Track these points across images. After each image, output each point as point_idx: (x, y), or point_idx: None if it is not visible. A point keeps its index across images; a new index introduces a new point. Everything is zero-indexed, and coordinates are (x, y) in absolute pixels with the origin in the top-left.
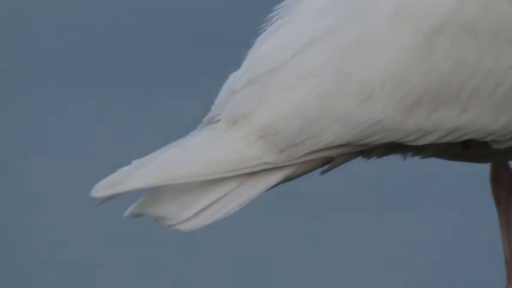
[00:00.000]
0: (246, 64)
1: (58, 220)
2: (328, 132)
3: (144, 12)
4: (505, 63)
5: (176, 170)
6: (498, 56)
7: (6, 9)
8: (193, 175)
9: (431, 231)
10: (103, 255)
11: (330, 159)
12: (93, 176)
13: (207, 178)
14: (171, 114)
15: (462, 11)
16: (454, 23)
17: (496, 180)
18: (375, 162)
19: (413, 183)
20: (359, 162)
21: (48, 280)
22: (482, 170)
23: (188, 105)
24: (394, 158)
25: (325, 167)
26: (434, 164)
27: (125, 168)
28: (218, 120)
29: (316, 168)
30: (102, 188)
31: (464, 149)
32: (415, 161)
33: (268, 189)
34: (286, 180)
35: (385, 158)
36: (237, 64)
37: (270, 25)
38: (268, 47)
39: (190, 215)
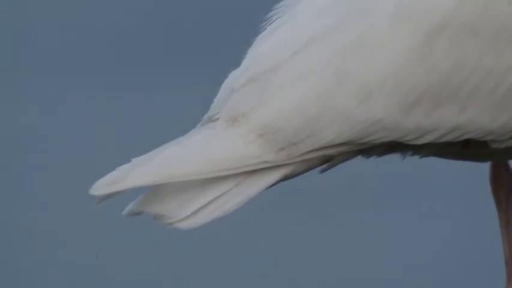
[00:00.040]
0: (245, 63)
1: (58, 219)
2: (329, 130)
3: (144, 12)
4: (505, 63)
5: (176, 168)
6: (498, 56)
7: (6, 9)
8: (193, 173)
9: (431, 230)
10: (103, 254)
11: (330, 158)
12: (92, 174)
13: (206, 176)
14: (171, 112)
15: (462, 11)
16: (454, 23)
17: (496, 180)
18: (375, 161)
19: (413, 182)
20: (359, 160)
21: (48, 280)
22: (482, 169)
23: (188, 103)
24: (394, 157)
25: (325, 166)
26: (435, 163)
27: (124, 166)
28: (218, 119)
29: (315, 166)
30: (102, 186)
31: (463, 148)
32: (415, 159)
33: (267, 188)
34: (285, 178)
35: (385, 157)
36: (236, 63)
37: (269, 24)
38: (268, 46)
39: (189, 213)
